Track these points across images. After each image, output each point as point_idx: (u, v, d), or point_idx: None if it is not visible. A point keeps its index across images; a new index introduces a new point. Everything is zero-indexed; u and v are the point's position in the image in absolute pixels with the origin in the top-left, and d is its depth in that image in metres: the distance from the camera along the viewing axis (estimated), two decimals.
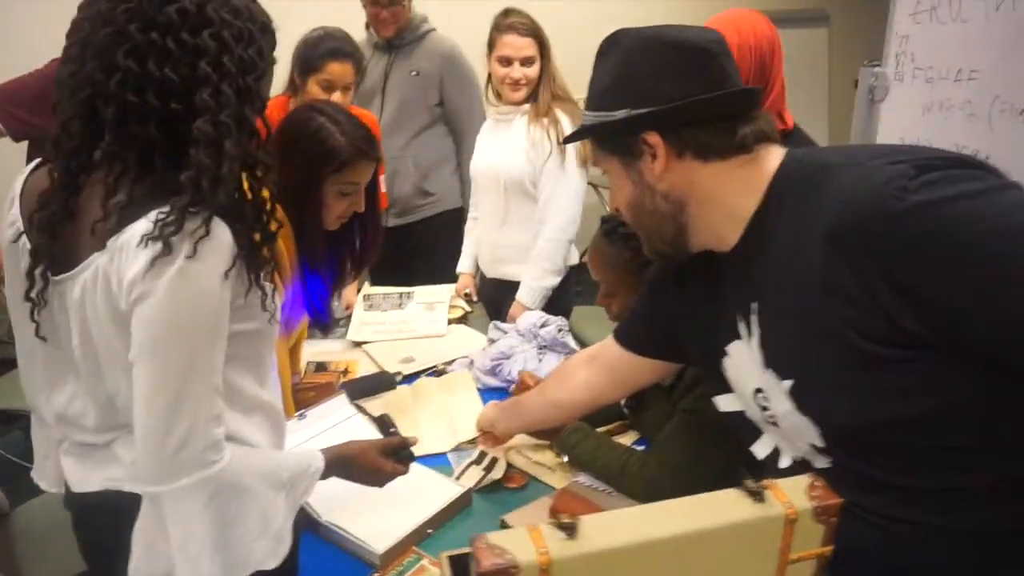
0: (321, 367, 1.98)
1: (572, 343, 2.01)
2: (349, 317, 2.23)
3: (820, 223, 0.88)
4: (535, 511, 1.40)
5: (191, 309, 0.86)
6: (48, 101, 0.91)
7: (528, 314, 2.11)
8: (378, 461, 1.28)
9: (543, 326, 2.01)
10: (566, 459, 1.55)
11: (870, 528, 0.94)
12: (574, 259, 2.31)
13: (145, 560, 0.94)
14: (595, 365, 1.36)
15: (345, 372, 1.96)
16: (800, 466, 1.01)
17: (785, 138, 1.19)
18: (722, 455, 1.38)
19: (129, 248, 0.86)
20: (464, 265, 2.45)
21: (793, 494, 0.85)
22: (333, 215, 1.45)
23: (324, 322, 1.57)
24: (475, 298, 2.36)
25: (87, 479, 1.04)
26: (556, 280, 2.22)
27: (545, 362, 1.95)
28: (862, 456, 0.93)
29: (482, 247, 2.38)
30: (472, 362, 1.99)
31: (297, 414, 1.57)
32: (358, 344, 2.14)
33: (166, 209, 0.85)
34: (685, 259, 1.07)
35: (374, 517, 1.33)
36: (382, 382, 1.86)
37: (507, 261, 2.33)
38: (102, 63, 0.86)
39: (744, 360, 1.03)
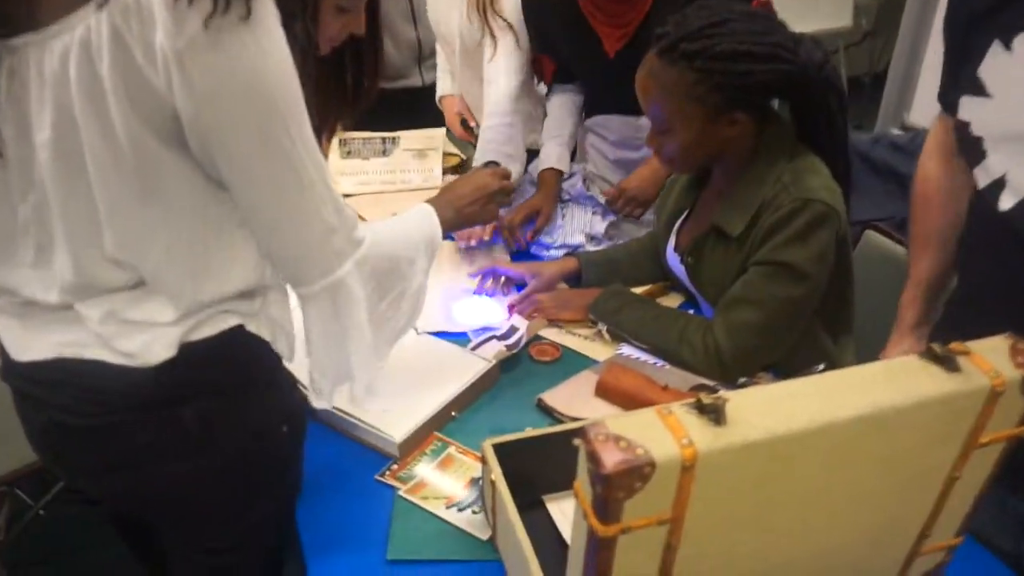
0: None
1: (598, 195, 1.83)
2: None
3: None
4: (577, 388, 1.28)
5: (280, 84, 0.76)
6: None
7: None
8: (478, 175, 1.29)
9: (568, 177, 1.83)
10: (603, 329, 1.41)
11: None
12: None
13: (327, 355, 0.97)
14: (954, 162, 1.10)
15: None
16: None
17: None
18: (804, 316, 1.27)
19: (151, 4, 0.69)
20: (445, 86, 2.13)
21: (996, 360, 0.69)
22: (325, 36, 1.18)
23: None
24: (473, 123, 2.09)
25: (32, 345, 0.88)
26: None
27: (569, 221, 1.78)
28: None
29: (469, 101, 2.11)
30: None
31: None
32: None
33: None
34: None
35: (389, 401, 1.17)
36: None
37: None
38: None
39: None
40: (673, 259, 1.47)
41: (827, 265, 1.24)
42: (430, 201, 1.18)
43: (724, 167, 1.34)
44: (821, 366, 1.22)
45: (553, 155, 1.84)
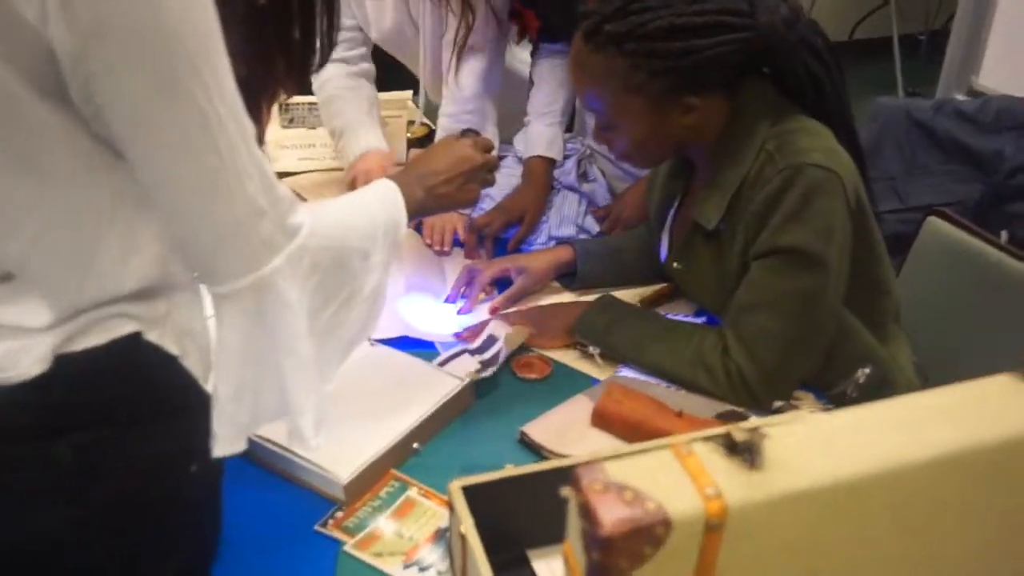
0: None
1: (599, 174, 1.82)
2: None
3: None
4: (570, 417, 1.25)
5: (189, 18, 0.73)
6: None
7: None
8: (454, 145, 1.25)
9: (560, 164, 1.81)
10: (595, 353, 1.38)
11: None
12: None
13: (235, 391, 0.91)
14: None
15: None
16: None
17: None
18: (831, 311, 1.26)
19: None
20: (365, 140, 1.90)
21: None
22: None
23: None
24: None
25: None
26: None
27: (558, 210, 1.76)
28: None
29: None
30: None
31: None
32: (279, 176, 1.87)
33: None
34: None
35: (334, 430, 1.12)
36: None
37: None
38: None
39: None
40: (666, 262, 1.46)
41: (842, 241, 1.22)
42: (394, 178, 1.15)
43: (696, 151, 1.34)
44: (867, 369, 1.21)
45: (542, 138, 1.80)
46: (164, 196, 0.81)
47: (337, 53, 1.86)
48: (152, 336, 0.86)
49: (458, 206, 1.29)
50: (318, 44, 1.26)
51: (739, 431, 0.59)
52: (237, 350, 0.88)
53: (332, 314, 0.97)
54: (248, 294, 0.86)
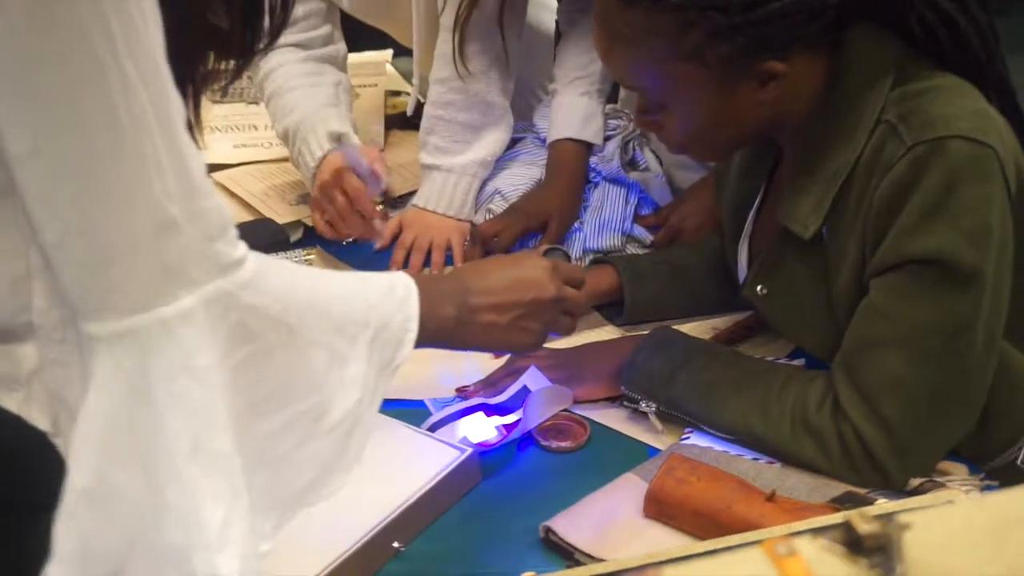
0: None
1: (652, 162, 1.86)
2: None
3: None
4: (613, 505, 1.26)
5: None
6: None
7: None
8: (527, 263, 1.24)
9: (600, 149, 1.84)
10: (650, 411, 1.39)
11: None
12: None
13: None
14: None
15: None
16: None
17: None
18: (993, 346, 1.25)
19: None
20: (341, 126, 1.94)
21: None
22: None
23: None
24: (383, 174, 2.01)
25: None
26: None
27: (595, 211, 1.78)
28: None
29: None
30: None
31: None
32: (211, 169, 1.91)
33: None
34: None
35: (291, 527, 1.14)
36: (263, 237, 1.82)
37: None
38: None
39: None
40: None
41: (1002, 246, 1.21)
42: (423, 278, 1.10)
43: (782, 132, 1.37)
44: None
45: (574, 114, 1.84)
46: (28, 180, 0.78)
47: (288, 37, 1.90)
48: (11, 402, 0.85)
49: (508, 348, 1.29)
50: (267, 10, 1.28)
51: (863, 520, 0.57)
52: (101, 428, 0.82)
53: (274, 431, 0.91)
54: (131, 343, 0.81)
